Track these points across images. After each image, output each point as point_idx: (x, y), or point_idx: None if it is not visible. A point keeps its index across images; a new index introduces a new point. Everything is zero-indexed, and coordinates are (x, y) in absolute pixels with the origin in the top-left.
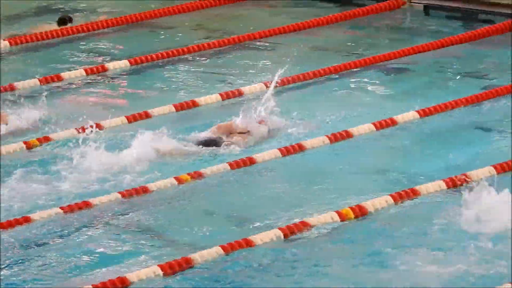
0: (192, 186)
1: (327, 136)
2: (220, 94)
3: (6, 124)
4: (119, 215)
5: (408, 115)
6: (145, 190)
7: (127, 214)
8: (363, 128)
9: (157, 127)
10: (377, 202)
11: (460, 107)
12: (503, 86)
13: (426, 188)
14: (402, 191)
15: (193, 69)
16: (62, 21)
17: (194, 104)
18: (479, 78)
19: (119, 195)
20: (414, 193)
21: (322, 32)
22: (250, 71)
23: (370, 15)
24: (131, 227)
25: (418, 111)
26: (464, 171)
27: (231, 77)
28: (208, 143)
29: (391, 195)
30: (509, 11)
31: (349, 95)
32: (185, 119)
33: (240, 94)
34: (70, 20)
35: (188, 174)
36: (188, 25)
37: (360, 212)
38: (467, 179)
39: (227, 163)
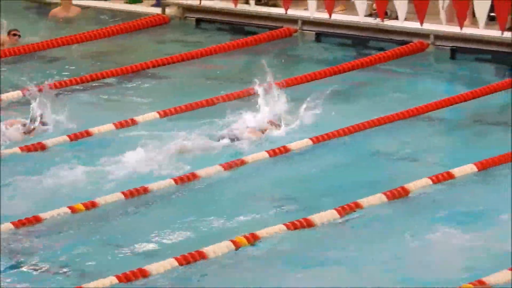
0: (86, 214)
1: (221, 164)
2: (114, 124)
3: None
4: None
5: (302, 143)
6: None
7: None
8: (257, 156)
9: (53, 157)
10: (271, 230)
11: (353, 133)
12: (395, 113)
13: (320, 217)
14: (296, 220)
15: (85, 99)
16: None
17: (88, 134)
18: (373, 104)
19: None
20: (307, 223)
21: (215, 61)
22: (144, 100)
23: (262, 43)
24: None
25: (311, 138)
26: (356, 199)
27: (125, 106)
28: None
29: (285, 224)
30: (399, 38)
31: (240, 122)
32: (80, 148)
33: (134, 123)
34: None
35: (82, 203)
36: (80, 55)
37: (254, 240)
38: (358, 207)
39: (120, 192)
